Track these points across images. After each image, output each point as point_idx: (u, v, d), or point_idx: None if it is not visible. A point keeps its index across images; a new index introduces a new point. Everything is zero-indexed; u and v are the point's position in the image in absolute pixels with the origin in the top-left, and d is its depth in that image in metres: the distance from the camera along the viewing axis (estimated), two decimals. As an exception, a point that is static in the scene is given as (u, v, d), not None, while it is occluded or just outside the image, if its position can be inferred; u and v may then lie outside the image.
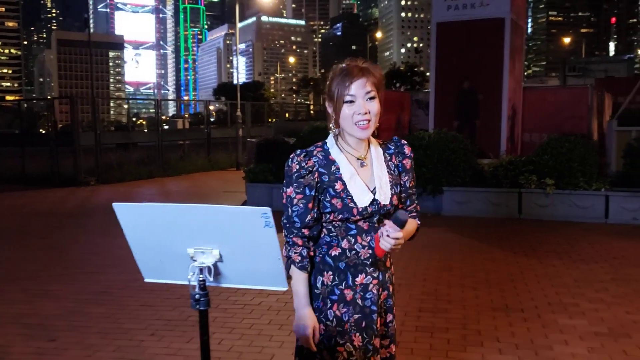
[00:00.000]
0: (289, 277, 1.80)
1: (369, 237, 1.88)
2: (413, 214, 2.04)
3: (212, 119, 26.18)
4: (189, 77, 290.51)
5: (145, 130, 31.38)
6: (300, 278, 1.83)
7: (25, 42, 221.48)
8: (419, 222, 2.05)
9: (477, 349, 3.98)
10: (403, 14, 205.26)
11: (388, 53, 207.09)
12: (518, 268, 6.14)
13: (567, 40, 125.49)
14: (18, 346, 4.18)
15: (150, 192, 13.70)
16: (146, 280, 1.75)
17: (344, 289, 1.87)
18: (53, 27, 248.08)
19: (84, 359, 3.96)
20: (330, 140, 1.95)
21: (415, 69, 76.98)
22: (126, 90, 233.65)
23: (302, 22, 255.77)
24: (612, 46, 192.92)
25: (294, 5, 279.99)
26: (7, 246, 7.85)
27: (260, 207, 1.45)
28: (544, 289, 5.35)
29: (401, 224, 1.70)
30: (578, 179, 8.69)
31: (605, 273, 5.89)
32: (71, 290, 5.58)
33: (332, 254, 1.88)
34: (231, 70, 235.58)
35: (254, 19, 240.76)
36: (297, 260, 1.83)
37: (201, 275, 1.58)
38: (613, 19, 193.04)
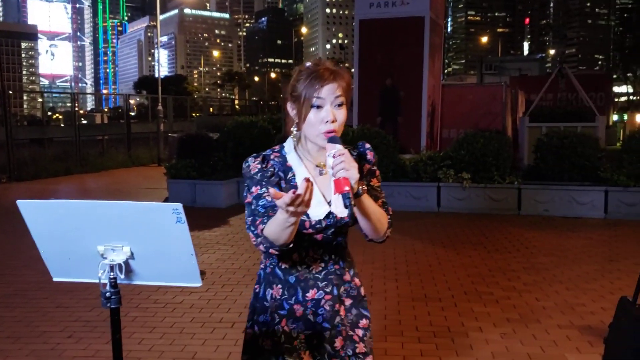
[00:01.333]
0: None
1: (321, 250, 1.77)
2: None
3: (132, 114, 25.45)
4: (108, 70, 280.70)
5: (62, 125, 30.10)
6: (269, 221, 1.61)
7: None
8: (390, 219, 1.84)
9: (397, 339, 4.10)
10: (328, 10, 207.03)
11: (314, 49, 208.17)
12: (436, 259, 6.35)
13: (484, 39, 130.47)
14: None
15: (67, 190, 13.17)
16: (55, 279, 1.70)
17: (293, 304, 1.75)
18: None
19: (-6, 364, 3.78)
20: (288, 145, 1.80)
21: (341, 65, 77.87)
22: (41, 83, 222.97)
23: (227, 16, 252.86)
24: (526, 46, 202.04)
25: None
26: None
27: (171, 203, 1.43)
28: (460, 279, 5.56)
29: (333, 140, 1.63)
30: (492, 173, 9.07)
31: (518, 262, 6.19)
32: (-20, 294, 5.29)
33: (282, 266, 1.76)
34: (153, 63, 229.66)
35: (176, 11, 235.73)
36: (263, 222, 1.64)
37: (112, 273, 1.54)
38: (527, 20, 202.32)
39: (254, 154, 1.78)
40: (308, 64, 1.74)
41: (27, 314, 4.73)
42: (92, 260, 1.55)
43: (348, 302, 1.83)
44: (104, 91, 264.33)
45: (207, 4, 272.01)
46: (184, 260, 1.54)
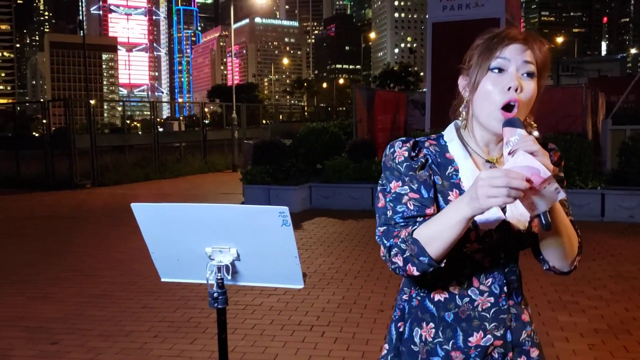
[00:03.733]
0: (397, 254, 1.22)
1: (490, 279, 1.32)
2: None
3: (206, 121, 26.22)
4: (182, 79, 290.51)
5: (140, 133, 31.37)
6: (427, 221, 1.21)
7: (18, 45, 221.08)
8: (580, 241, 1.37)
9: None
10: (396, 15, 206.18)
11: (382, 53, 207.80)
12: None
13: (559, 40, 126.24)
14: (20, 349, 4.18)
15: (148, 195, 13.68)
16: (163, 280, 1.77)
17: (450, 350, 1.32)
18: (46, 30, 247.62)
19: (87, 361, 3.96)
20: (449, 133, 1.37)
21: (410, 69, 77.38)
22: (120, 92, 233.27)
23: (296, 24, 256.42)
24: (604, 45, 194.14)
25: (287, 7, 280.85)
26: (4, 249, 7.83)
27: (277, 206, 1.47)
28: (543, 287, 5.38)
29: (513, 122, 1.17)
30: (574, 177, 8.75)
31: (603, 271, 5.93)
32: (70, 293, 5.57)
33: (436, 299, 1.34)
34: (225, 72, 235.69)
35: (247, 20, 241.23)
36: (413, 226, 1.23)
37: (219, 274, 1.59)
38: (605, 19, 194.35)
39: (403, 138, 1.37)
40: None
41: (115, 313, 4.94)
42: (200, 261, 1.61)
43: (534, 353, 1.39)
44: (179, 100, 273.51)
45: (277, 13, 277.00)
46: (287, 262, 1.56)
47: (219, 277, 1.58)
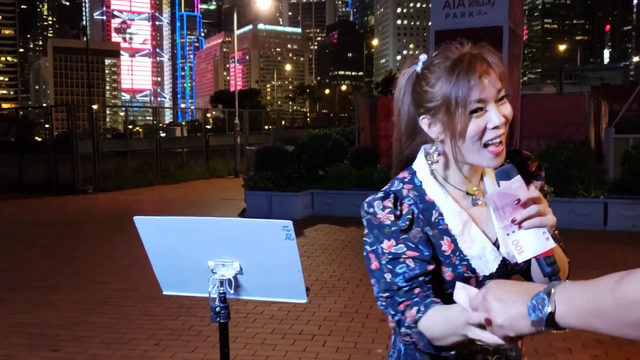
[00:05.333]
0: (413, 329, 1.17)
1: None
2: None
3: (209, 127, 26.23)
4: (185, 85, 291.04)
5: (142, 138, 31.41)
6: (434, 314, 1.14)
7: (22, 50, 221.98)
8: (570, 264, 1.31)
9: None
10: (399, 22, 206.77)
11: (384, 60, 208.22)
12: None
13: (562, 47, 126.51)
14: (22, 356, 4.17)
15: (150, 201, 13.68)
16: (165, 293, 1.76)
17: None
18: (49, 35, 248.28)
19: (88, 369, 3.96)
20: (421, 169, 1.26)
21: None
22: (122, 97, 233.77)
23: (299, 30, 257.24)
24: (606, 53, 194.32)
25: (290, 13, 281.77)
26: (8, 255, 7.83)
27: (281, 220, 1.46)
28: (545, 297, 5.36)
29: (507, 173, 1.09)
30: (577, 186, 8.73)
31: (606, 280, 5.90)
32: (73, 300, 5.57)
33: None
34: (228, 77, 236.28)
35: (250, 26, 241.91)
36: (419, 310, 1.16)
37: (221, 288, 1.59)
38: (607, 27, 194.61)
39: (380, 195, 1.24)
40: (423, 56, 1.22)
41: (116, 320, 4.93)
42: (203, 275, 1.60)
43: None
44: (182, 105, 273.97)
45: (280, 19, 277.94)
46: (291, 276, 1.56)
47: (221, 291, 1.57)
